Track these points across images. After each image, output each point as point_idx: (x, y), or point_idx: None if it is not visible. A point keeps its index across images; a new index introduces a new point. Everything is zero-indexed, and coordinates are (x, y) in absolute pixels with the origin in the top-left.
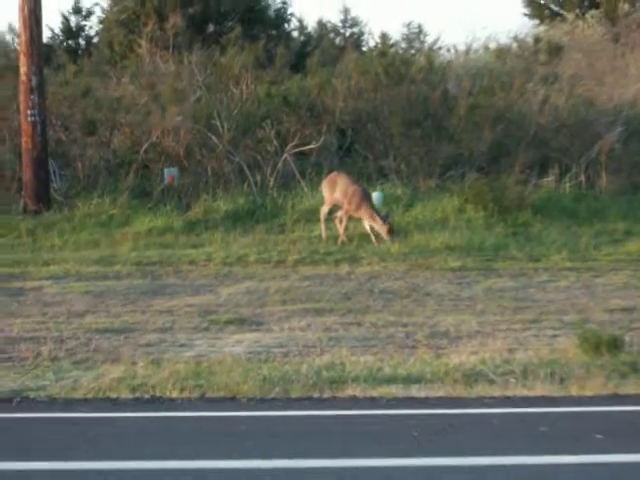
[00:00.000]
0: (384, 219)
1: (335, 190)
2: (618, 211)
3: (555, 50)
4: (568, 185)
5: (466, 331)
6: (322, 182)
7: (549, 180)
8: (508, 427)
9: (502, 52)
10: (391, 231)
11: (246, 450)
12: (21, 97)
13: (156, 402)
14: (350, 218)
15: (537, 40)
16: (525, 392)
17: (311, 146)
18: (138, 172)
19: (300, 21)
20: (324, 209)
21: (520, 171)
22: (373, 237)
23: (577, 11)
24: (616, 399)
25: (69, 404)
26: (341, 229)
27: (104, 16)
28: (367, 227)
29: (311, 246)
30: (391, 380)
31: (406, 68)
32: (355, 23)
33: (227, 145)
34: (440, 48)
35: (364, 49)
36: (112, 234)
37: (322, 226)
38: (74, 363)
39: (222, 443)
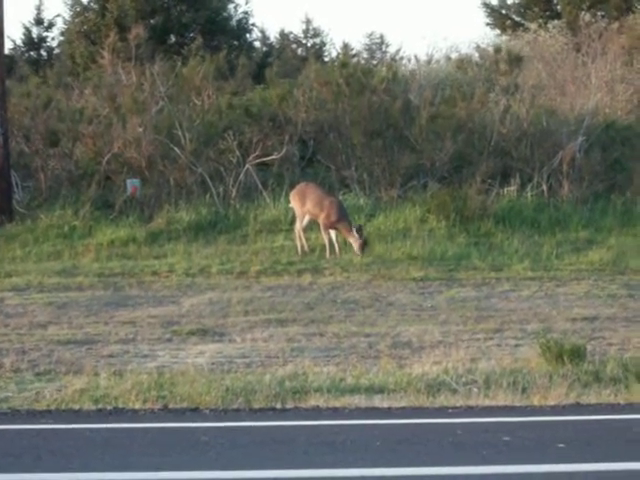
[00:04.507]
0: (360, 233)
1: (305, 202)
2: (580, 220)
3: (515, 60)
4: (530, 195)
5: (429, 341)
6: (291, 194)
7: (511, 190)
8: (471, 437)
9: (463, 62)
10: (364, 245)
11: (209, 461)
12: None
13: (119, 413)
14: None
15: (497, 50)
16: (488, 402)
17: (273, 157)
18: (100, 183)
19: (262, 32)
20: (298, 226)
21: (482, 181)
22: (327, 247)
23: (539, 21)
24: (578, 408)
25: (32, 416)
26: (327, 245)
27: (66, 27)
28: (326, 238)
29: (273, 257)
30: (354, 390)
31: (368, 78)
32: (317, 34)
33: (189, 156)
34: (402, 58)
35: (326, 59)
36: (74, 245)
37: (298, 243)
38: (36, 375)
39: (185, 454)
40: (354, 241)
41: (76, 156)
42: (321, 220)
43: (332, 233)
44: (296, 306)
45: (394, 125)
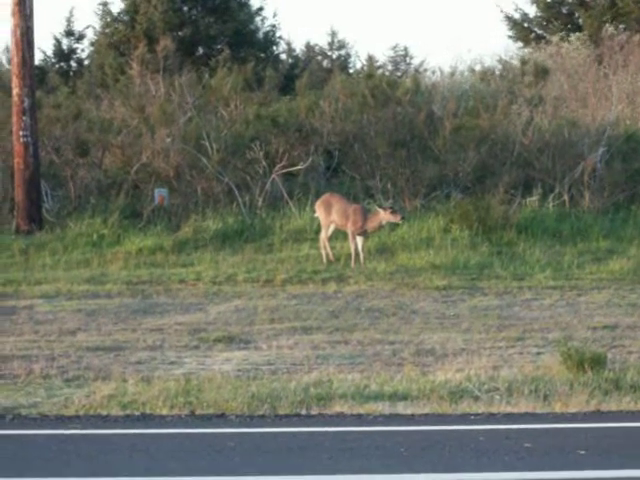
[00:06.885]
0: (385, 209)
1: (331, 212)
2: (601, 230)
3: (541, 72)
4: (552, 205)
5: (452, 349)
6: (316, 204)
7: (533, 200)
8: (493, 443)
9: (487, 74)
10: (395, 211)
11: (235, 467)
12: (14, 118)
13: (146, 419)
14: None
15: (523, 62)
16: (509, 409)
17: (299, 167)
18: (129, 192)
19: (288, 44)
20: (323, 235)
21: (504, 191)
22: (353, 257)
23: (561, 34)
24: (599, 416)
25: (61, 421)
26: (353, 253)
27: (95, 39)
28: (353, 246)
29: (299, 265)
30: (378, 397)
31: (392, 90)
32: (342, 46)
33: (216, 166)
34: (426, 70)
35: (351, 71)
36: (103, 254)
37: (323, 252)
38: (65, 381)
39: (211, 460)
40: (387, 217)
41: (105, 166)
42: (349, 228)
43: (359, 241)
44: (321, 314)
45: (418, 136)
